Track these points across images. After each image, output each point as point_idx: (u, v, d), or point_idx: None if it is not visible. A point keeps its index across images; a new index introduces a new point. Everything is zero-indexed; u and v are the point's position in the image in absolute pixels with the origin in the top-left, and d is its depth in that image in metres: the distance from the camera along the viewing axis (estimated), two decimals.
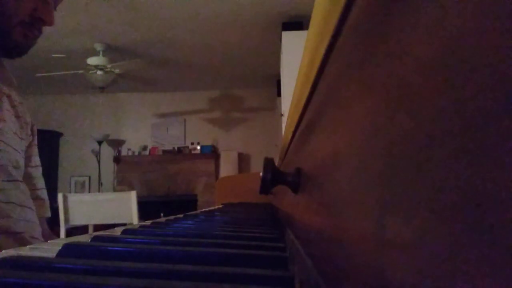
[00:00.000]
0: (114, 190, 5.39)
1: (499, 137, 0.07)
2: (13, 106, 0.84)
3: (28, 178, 0.88)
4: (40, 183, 0.92)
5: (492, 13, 0.08)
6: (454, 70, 0.09)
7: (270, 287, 0.20)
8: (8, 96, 0.83)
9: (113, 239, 0.33)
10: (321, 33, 0.28)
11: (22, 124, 0.85)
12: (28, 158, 0.88)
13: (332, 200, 0.21)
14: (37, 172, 0.91)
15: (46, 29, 0.79)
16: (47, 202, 0.95)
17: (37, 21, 0.74)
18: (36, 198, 0.89)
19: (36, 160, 0.91)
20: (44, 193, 0.94)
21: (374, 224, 0.13)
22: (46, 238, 0.90)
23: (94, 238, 0.32)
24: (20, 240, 0.75)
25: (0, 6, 0.69)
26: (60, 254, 0.26)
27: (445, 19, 0.10)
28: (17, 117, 0.84)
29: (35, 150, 0.91)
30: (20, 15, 0.71)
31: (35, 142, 0.91)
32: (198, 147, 5.83)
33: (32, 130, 0.89)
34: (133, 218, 2.35)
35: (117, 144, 5.84)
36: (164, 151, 5.84)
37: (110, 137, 5.65)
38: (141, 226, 0.43)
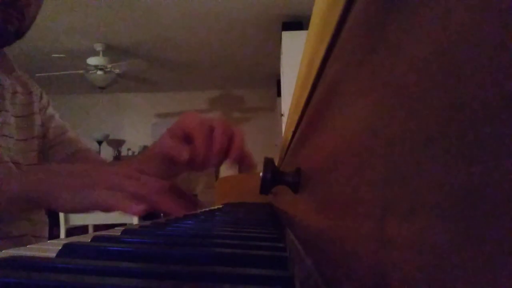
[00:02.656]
0: None
1: (500, 136, 0.07)
2: (24, 85, 0.80)
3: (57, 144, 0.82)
4: (77, 144, 0.85)
5: (493, 12, 0.08)
6: (455, 70, 0.09)
7: (270, 287, 0.20)
8: (19, 81, 0.79)
9: (113, 239, 0.32)
10: (321, 33, 0.28)
11: (33, 98, 0.81)
12: (48, 121, 0.83)
13: (332, 200, 0.21)
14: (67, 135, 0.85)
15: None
16: (93, 152, 0.87)
17: (16, 2, 0.65)
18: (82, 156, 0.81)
19: (57, 123, 0.85)
20: (89, 149, 0.85)
21: (375, 224, 0.13)
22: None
23: (94, 238, 0.32)
24: (21, 243, 0.69)
25: None
26: (60, 254, 0.26)
27: (446, 19, 0.10)
28: (28, 93, 0.80)
29: (56, 120, 0.85)
30: None
31: (51, 111, 0.85)
32: None
33: (41, 96, 0.84)
34: (133, 218, 2.35)
35: (117, 144, 5.84)
36: None
37: (110, 137, 5.65)
38: (141, 226, 0.43)
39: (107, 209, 0.48)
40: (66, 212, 0.50)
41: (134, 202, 0.45)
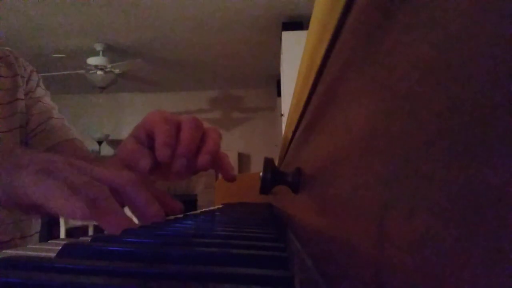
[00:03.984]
0: None
1: (500, 137, 0.07)
2: (10, 65, 0.74)
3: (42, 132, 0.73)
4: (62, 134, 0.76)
5: (492, 13, 0.08)
6: (455, 70, 0.09)
7: (270, 287, 0.20)
8: (5, 61, 0.73)
9: (113, 239, 0.33)
10: (321, 33, 0.28)
11: (19, 82, 0.74)
12: (30, 108, 0.75)
13: (332, 200, 0.21)
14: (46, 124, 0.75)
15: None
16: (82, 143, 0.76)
17: None
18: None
19: (42, 108, 0.76)
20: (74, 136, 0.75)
21: (375, 224, 0.13)
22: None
23: (94, 238, 0.32)
24: (9, 247, 0.66)
25: None
26: (60, 254, 0.26)
27: (446, 19, 0.10)
28: (14, 75, 0.74)
29: (43, 103, 0.76)
30: None
31: (39, 93, 0.76)
32: None
33: (29, 81, 0.75)
34: (133, 218, 2.35)
35: (117, 144, 5.84)
36: None
37: (110, 137, 5.65)
38: (141, 226, 0.43)
39: (38, 202, 0.35)
40: None
41: (73, 198, 0.33)
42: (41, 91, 0.79)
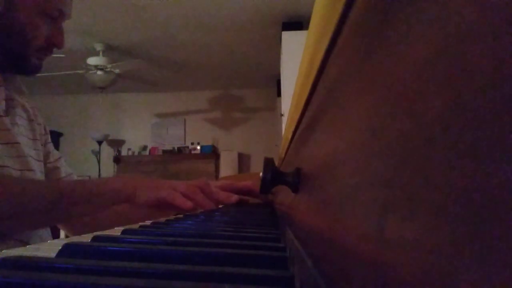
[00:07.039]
0: None
1: (499, 136, 0.07)
2: (26, 111, 0.89)
3: (52, 171, 0.90)
4: (65, 171, 0.94)
5: (492, 13, 0.08)
6: (454, 70, 0.09)
7: (270, 287, 0.20)
8: (22, 105, 0.88)
9: (113, 239, 0.33)
10: (321, 33, 0.28)
11: (35, 126, 0.89)
12: (47, 155, 0.91)
13: (332, 200, 0.21)
14: (59, 163, 0.94)
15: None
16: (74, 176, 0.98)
17: (51, 46, 0.83)
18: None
19: (55, 153, 0.94)
20: (71, 177, 0.96)
21: (374, 224, 0.13)
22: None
23: (94, 238, 0.32)
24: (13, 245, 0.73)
25: (21, 35, 0.76)
26: (60, 254, 0.26)
27: (445, 18, 0.10)
28: (30, 120, 0.89)
29: (51, 147, 0.95)
30: (38, 42, 0.79)
31: (49, 140, 0.95)
32: (198, 147, 5.83)
33: (45, 129, 0.94)
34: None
35: (117, 144, 5.84)
36: (164, 151, 5.84)
37: (110, 137, 5.66)
38: (141, 226, 0.43)
39: (169, 202, 0.70)
40: (140, 204, 0.74)
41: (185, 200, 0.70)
42: (51, 145, 0.96)
